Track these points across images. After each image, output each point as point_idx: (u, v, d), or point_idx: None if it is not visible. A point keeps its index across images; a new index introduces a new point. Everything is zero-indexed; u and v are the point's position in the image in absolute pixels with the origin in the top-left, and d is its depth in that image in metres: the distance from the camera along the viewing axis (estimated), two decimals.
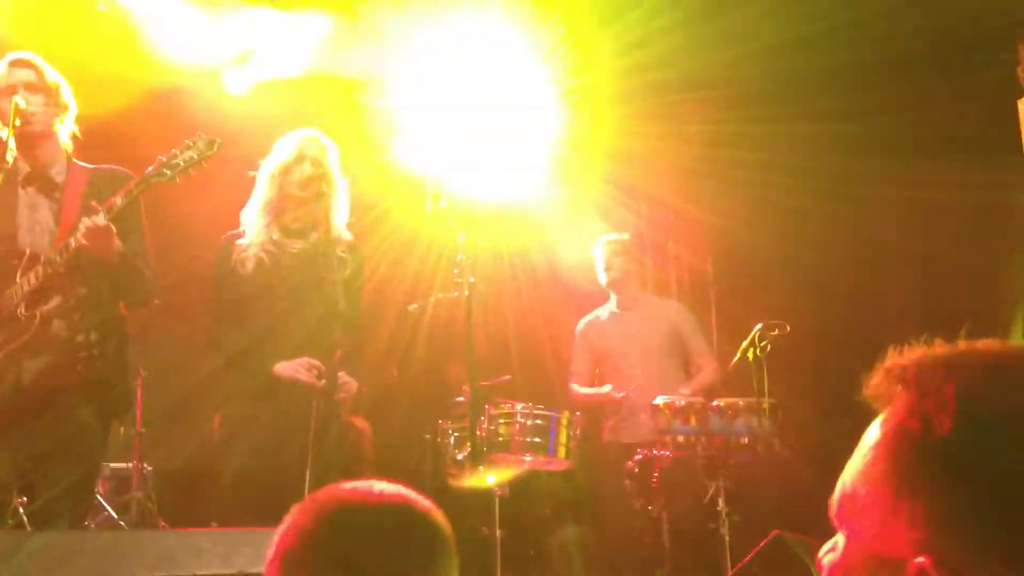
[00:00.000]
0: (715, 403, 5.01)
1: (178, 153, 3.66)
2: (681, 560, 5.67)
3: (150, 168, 3.62)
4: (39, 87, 3.70)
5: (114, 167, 3.84)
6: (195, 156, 3.65)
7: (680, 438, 5.02)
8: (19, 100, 3.61)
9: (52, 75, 3.75)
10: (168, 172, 3.62)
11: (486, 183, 5.91)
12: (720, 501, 4.88)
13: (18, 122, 3.60)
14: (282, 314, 3.95)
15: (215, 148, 3.69)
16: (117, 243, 3.54)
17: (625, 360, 5.77)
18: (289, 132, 4.23)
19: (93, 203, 3.55)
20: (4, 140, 3.60)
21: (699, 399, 5.12)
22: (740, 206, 6.64)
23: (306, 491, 3.68)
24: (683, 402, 5.05)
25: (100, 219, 3.48)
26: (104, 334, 3.67)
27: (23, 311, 3.49)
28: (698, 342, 5.77)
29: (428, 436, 5.79)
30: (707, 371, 5.68)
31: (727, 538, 4.81)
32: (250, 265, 3.97)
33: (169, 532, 2.97)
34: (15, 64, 3.71)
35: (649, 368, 5.62)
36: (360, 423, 5.91)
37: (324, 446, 3.71)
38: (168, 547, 2.92)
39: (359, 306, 4.17)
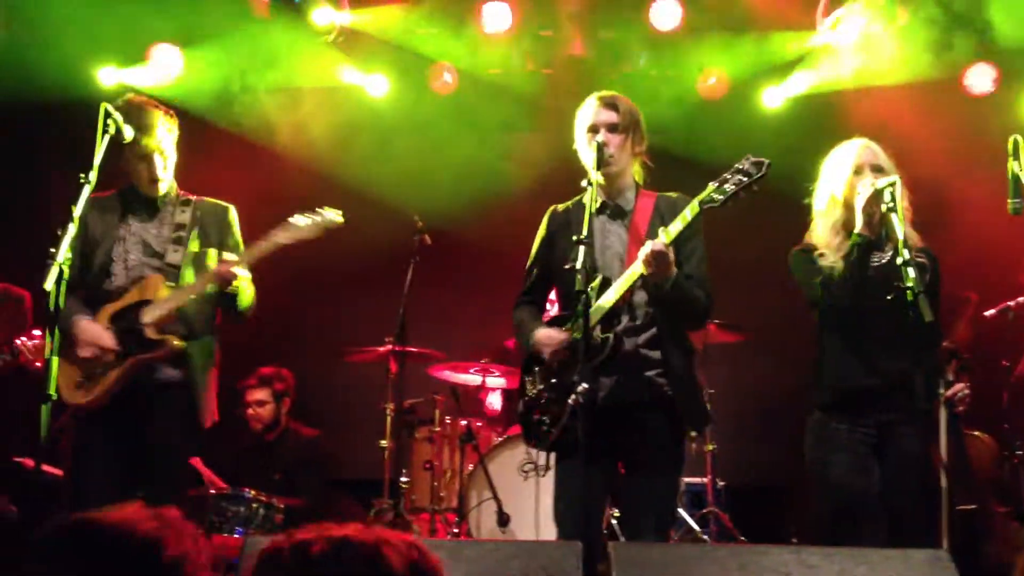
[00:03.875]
0: None
1: (728, 177, 3.68)
2: None
3: (703, 194, 3.69)
4: (620, 127, 3.94)
5: (676, 195, 3.98)
6: (745, 180, 3.65)
7: None
8: (599, 140, 3.87)
9: (632, 115, 3.97)
10: (719, 197, 3.65)
11: None
12: None
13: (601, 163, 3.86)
14: (869, 330, 3.86)
15: (764, 170, 3.67)
16: (672, 268, 3.67)
17: None
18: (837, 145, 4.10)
19: (660, 228, 3.70)
20: (591, 180, 3.87)
21: None
22: None
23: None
24: None
25: (659, 244, 3.62)
26: (669, 351, 3.81)
27: (599, 332, 3.73)
28: None
29: None
30: None
31: None
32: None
33: (782, 547, 2.99)
34: (602, 104, 3.95)
35: None
36: (984, 437, 5.53)
37: (953, 459, 3.53)
38: (782, 561, 2.94)
39: (939, 312, 3.92)
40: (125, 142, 3.93)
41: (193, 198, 4.31)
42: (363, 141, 7.01)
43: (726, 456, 6.44)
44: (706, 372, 6.46)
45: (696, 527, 6.03)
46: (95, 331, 4.03)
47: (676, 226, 3.64)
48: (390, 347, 6.01)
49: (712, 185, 3.67)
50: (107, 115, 3.79)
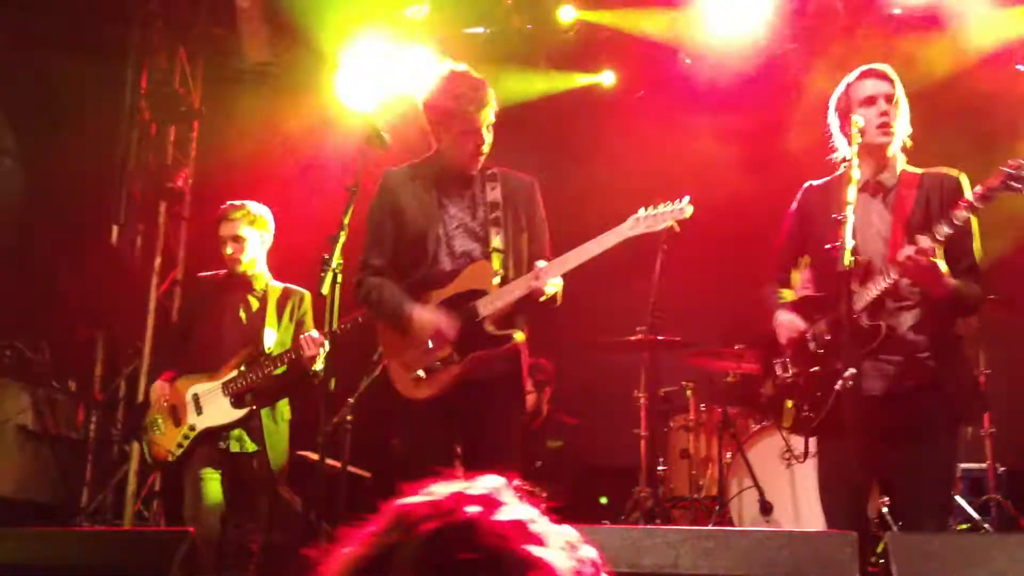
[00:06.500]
0: None
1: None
2: None
3: (993, 181, 3.45)
4: (895, 99, 3.74)
5: (943, 170, 3.76)
6: None
7: None
8: (858, 119, 3.70)
9: (901, 87, 3.78)
10: (1018, 186, 3.42)
11: None
12: None
13: (859, 138, 3.68)
14: None
15: None
16: (938, 267, 3.47)
17: None
18: None
19: (919, 236, 3.49)
20: (849, 157, 3.70)
21: None
22: None
23: None
24: None
25: (925, 243, 3.44)
26: (937, 335, 3.62)
27: (866, 320, 3.57)
28: None
29: None
30: None
31: None
32: None
33: None
34: (877, 75, 3.78)
35: None
36: None
37: None
38: None
39: None
40: (384, 149, 4.07)
41: (497, 171, 4.09)
42: (603, 133, 7.05)
43: (1007, 439, 6.01)
44: (983, 351, 6.08)
45: (976, 515, 5.67)
46: (435, 318, 3.85)
47: (960, 214, 3.43)
48: (642, 336, 6.02)
49: (1006, 171, 3.42)
50: (371, 128, 3.98)
